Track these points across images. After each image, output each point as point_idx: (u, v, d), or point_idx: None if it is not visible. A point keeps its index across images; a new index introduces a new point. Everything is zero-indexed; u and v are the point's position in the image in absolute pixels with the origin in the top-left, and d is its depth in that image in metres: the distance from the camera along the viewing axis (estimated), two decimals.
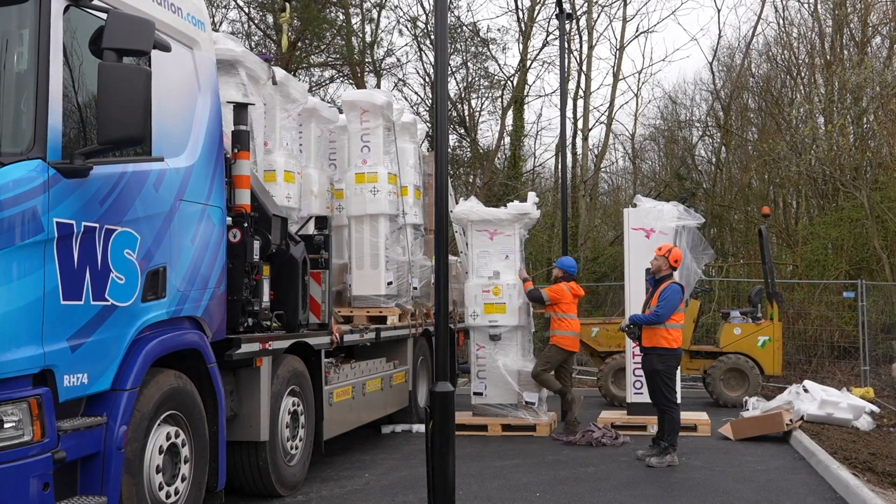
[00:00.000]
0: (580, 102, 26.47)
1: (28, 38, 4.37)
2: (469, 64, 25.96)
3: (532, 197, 11.09)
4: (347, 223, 10.06)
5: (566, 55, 20.07)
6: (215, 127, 5.94)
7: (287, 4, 11.18)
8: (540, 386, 10.31)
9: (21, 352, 4.13)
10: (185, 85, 5.62)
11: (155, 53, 4.78)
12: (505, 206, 11.08)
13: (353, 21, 24.38)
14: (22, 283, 4.16)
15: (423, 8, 24.78)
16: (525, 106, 25.71)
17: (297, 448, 7.30)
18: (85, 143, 4.56)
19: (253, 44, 22.53)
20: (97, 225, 4.64)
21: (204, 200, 5.75)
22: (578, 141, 26.61)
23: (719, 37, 54.35)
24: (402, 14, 30.77)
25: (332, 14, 23.27)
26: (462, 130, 26.27)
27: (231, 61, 7.32)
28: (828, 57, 23.29)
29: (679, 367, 9.09)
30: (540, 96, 43.40)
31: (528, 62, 25.45)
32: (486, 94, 27.03)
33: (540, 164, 29.78)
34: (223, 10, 22.53)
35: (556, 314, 10.30)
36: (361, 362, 9.16)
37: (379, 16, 24.81)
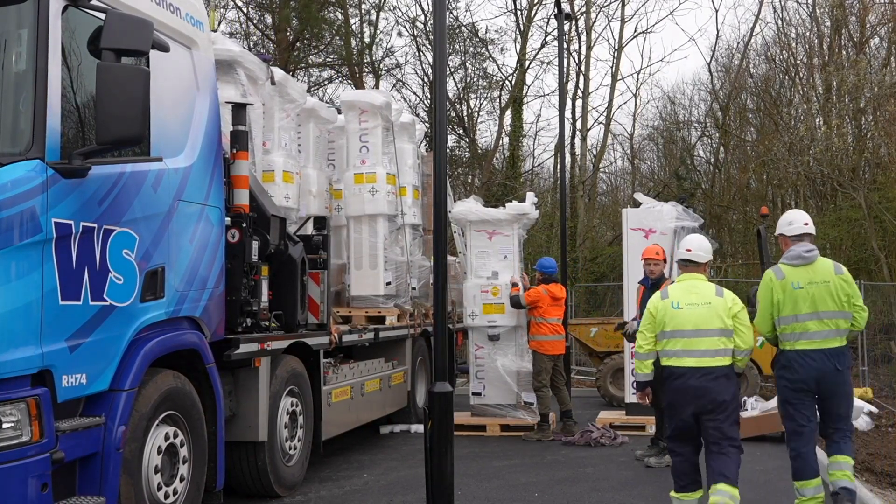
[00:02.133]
0: (579, 103, 26.54)
1: (26, 38, 4.37)
2: (468, 64, 26.01)
3: (531, 197, 11.09)
4: (346, 223, 10.06)
5: (565, 55, 20.08)
6: (214, 127, 5.94)
7: None
8: (548, 391, 10.26)
9: (19, 352, 4.13)
10: (183, 85, 5.61)
11: (153, 53, 4.77)
12: (503, 206, 11.08)
13: (352, 21, 24.40)
14: (20, 284, 4.15)
15: (422, 8, 24.83)
16: (524, 106, 25.76)
17: (295, 448, 7.29)
18: (83, 143, 4.55)
19: (251, 44, 22.53)
20: (96, 225, 4.63)
21: (202, 201, 5.74)
22: (577, 141, 26.65)
23: (717, 37, 54.50)
24: (400, 14, 30.80)
25: (331, 14, 23.27)
26: (461, 131, 26.29)
27: (229, 61, 7.33)
28: (826, 57, 23.33)
29: None
30: (538, 96, 43.67)
31: (527, 62, 25.48)
32: (485, 95, 27.10)
33: (538, 165, 29.89)
34: (222, 9, 22.52)
35: (535, 318, 10.18)
36: (360, 362, 9.15)
37: (378, 16, 24.86)
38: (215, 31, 6.89)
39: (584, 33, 26.39)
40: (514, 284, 10.34)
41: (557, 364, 10.30)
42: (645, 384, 6.16)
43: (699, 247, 6.10)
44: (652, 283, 8.73)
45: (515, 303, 10.21)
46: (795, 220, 6.07)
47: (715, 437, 5.73)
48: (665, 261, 8.82)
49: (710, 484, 5.80)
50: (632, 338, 8.91)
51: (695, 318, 5.77)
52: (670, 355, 5.83)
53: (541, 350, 10.14)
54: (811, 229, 6.03)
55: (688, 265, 6.10)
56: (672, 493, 6.00)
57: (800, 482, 5.93)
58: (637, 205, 11.32)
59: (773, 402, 10.79)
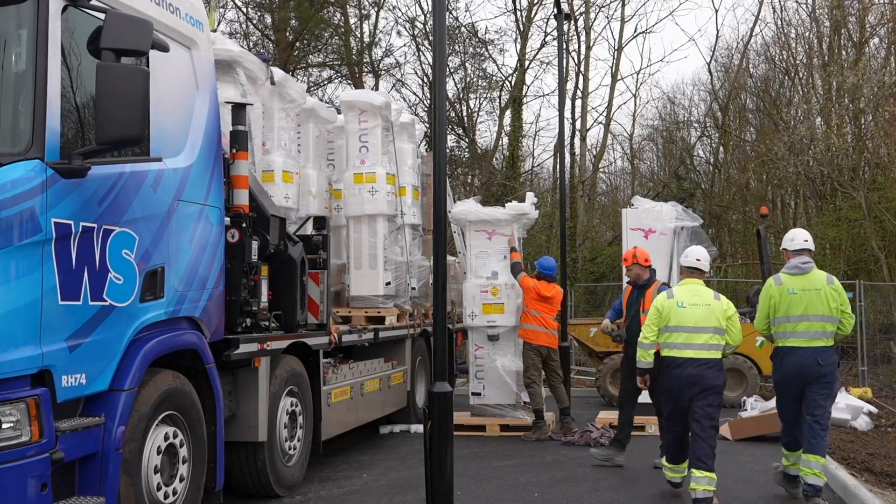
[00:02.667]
0: (578, 103, 26.51)
1: (26, 38, 4.36)
2: (467, 64, 26.00)
3: (530, 197, 11.09)
4: (346, 223, 10.06)
5: (564, 55, 20.07)
6: (213, 127, 5.94)
7: None
8: (539, 388, 10.27)
9: (19, 352, 4.13)
10: (183, 85, 5.61)
11: (153, 53, 4.77)
12: (503, 206, 11.08)
13: (352, 21, 24.40)
14: (20, 284, 4.15)
15: (422, 8, 24.82)
16: (523, 106, 25.74)
17: (295, 448, 7.29)
18: (83, 143, 4.55)
19: (251, 44, 22.53)
20: (95, 225, 4.63)
21: (202, 201, 5.74)
22: (577, 141, 26.64)
23: (717, 37, 54.50)
24: (400, 14, 30.80)
25: (330, 14, 23.27)
26: (460, 131, 26.29)
27: (229, 61, 7.32)
28: (825, 58, 23.33)
29: None
30: (538, 97, 43.58)
31: (526, 62, 25.47)
32: (485, 95, 27.08)
33: (538, 165, 29.86)
34: (221, 9, 22.53)
35: (523, 307, 10.28)
36: (360, 363, 9.15)
37: (377, 16, 24.86)
38: (215, 30, 6.89)
39: (584, 33, 26.39)
40: (514, 249, 10.35)
41: (552, 362, 10.29)
42: (645, 371, 7.18)
43: (706, 258, 7.24)
44: (640, 286, 8.59)
45: (514, 269, 10.29)
46: (797, 238, 7.10)
47: (701, 416, 6.71)
48: (644, 262, 8.60)
49: (689, 467, 6.77)
50: (619, 339, 8.92)
51: (696, 316, 6.80)
52: (672, 347, 6.84)
53: (525, 338, 10.20)
54: (810, 245, 7.05)
55: (693, 272, 7.17)
56: (664, 462, 7.24)
57: (786, 451, 7.05)
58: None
59: (772, 403, 10.81)
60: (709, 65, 28.72)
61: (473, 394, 10.63)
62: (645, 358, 7.06)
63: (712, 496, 6.58)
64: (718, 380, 6.76)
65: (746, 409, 11.28)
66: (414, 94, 26.22)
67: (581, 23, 26.22)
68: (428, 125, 15.98)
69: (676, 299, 6.92)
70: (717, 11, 49.87)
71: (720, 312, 6.82)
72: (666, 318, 6.87)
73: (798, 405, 6.83)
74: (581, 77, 26.39)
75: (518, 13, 26.06)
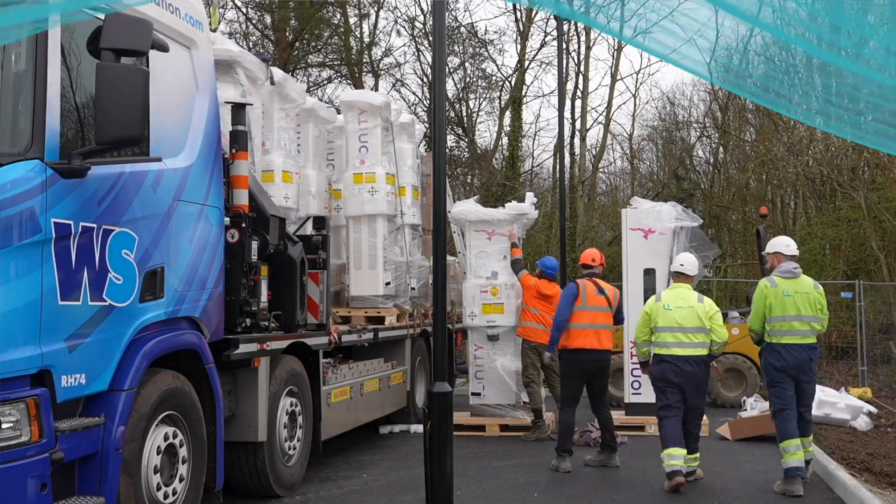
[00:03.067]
0: (578, 103, 26.49)
1: (26, 37, 4.36)
2: (467, 64, 25.99)
3: (530, 197, 11.09)
4: (345, 223, 10.05)
5: (564, 55, 20.08)
6: (213, 127, 5.94)
7: None
8: (537, 387, 10.27)
9: (19, 352, 4.13)
10: (183, 85, 5.61)
11: (153, 53, 4.77)
12: (503, 206, 11.08)
13: (351, 21, 24.39)
14: (20, 284, 4.15)
15: (421, 8, 24.81)
16: (523, 106, 25.72)
17: (294, 448, 7.29)
18: (83, 143, 4.55)
19: (251, 44, 22.53)
20: (95, 225, 4.63)
21: (202, 201, 5.74)
22: (576, 141, 26.63)
23: (717, 37, 54.31)
24: (400, 14, 30.77)
25: (330, 14, 23.26)
26: (460, 131, 26.28)
27: (229, 61, 7.33)
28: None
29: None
30: (538, 97, 43.51)
31: (526, 63, 25.47)
32: (484, 95, 27.06)
33: (538, 165, 29.84)
34: (221, 9, 22.52)
35: (523, 304, 10.29)
36: (359, 363, 9.15)
37: (377, 16, 24.84)
38: (214, 30, 6.89)
39: (584, 33, 26.36)
40: (515, 245, 10.36)
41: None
42: (644, 363, 7.95)
43: (691, 263, 7.98)
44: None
45: (514, 266, 10.32)
46: (791, 244, 7.82)
47: (693, 405, 7.59)
48: (580, 261, 9.13)
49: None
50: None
51: (680, 317, 7.56)
52: (661, 346, 7.59)
53: (524, 336, 10.19)
54: (798, 253, 7.88)
55: (679, 276, 7.91)
56: (663, 454, 7.41)
57: (784, 442, 7.35)
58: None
59: None
60: (708, 65, 28.68)
61: (473, 394, 10.63)
62: (641, 354, 7.96)
63: (696, 469, 7.64)
64: (704, 375, 7.62)
65: (746, 409, 11.27)
66: (414, 94, 26.24)
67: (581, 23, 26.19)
68: (428, 125, 15.98)
69: (663, 302, 7.69)
70: (717, 11, 49.70)
71: (703, 313, 7.59)
72: (654, 319, 7.64)
73: (793, 394, 7.46)
74: (581, 77, 26.37)
75: (518, 13, 26.06)
